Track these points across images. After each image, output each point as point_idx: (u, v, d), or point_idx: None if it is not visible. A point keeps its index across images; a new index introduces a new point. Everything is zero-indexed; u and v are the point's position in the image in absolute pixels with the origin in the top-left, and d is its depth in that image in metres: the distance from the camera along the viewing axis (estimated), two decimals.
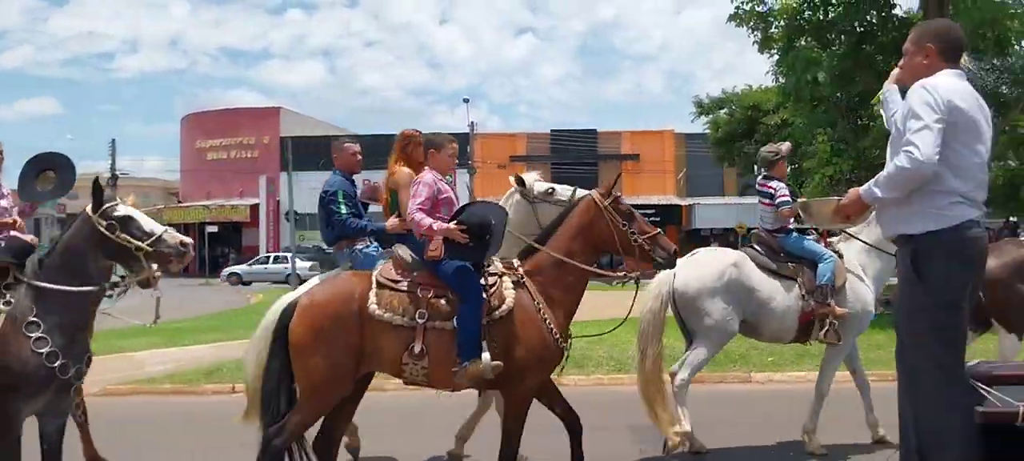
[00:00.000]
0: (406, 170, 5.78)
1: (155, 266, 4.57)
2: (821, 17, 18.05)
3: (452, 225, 4.82)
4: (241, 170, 48.37)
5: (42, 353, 4.28)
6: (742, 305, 6.27)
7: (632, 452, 6.56)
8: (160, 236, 4.52)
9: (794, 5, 18.25)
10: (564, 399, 5.17)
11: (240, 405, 5.54)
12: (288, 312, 4.76)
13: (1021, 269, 6.47)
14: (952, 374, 3.79)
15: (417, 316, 4.67)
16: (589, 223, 5.01)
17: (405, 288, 4.77)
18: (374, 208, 6.40)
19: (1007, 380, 3.93)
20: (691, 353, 6.31)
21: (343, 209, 5.83)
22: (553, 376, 5.14)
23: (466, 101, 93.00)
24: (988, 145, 3.96)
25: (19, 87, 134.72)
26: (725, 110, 33.52)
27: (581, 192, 5.61)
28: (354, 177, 6.27)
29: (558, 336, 4.83)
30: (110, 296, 4.66)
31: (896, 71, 4.27)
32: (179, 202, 52.84)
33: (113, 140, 52.47)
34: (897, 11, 18.10)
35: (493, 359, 4.63)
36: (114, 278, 4.78)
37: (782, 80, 18.85)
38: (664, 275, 6.29)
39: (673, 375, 6.28)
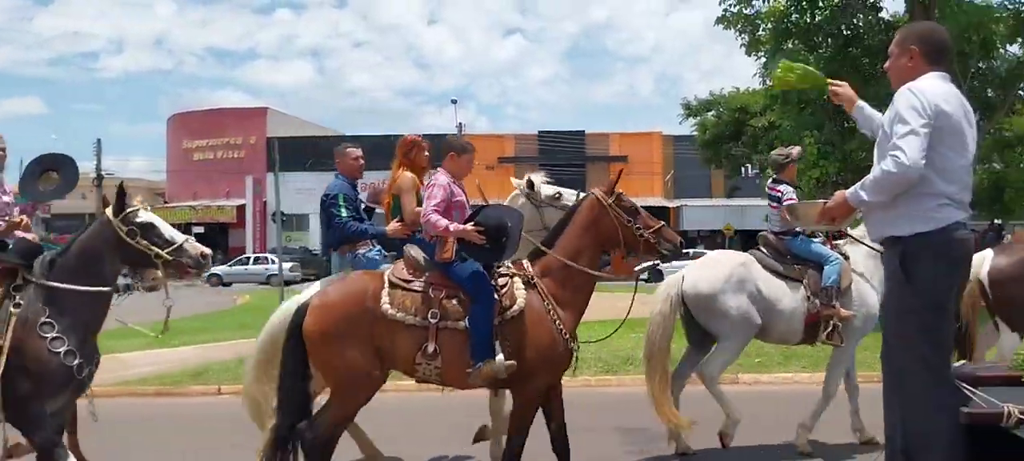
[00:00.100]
0: (409, 175, 5.80)
1: (155, 279, 4.68)
2: (808, 20, 18.15)
3: (469, 226, 4.87)
4: (227, 171, 48.18)
5: (59, 353, 4.31)
6: (754, 302, 6.32)
7: (620, 454, 6.57)
8: (181, 245, 4.58)
9: (781, 8, 18.34)
10: (563, 415, 5.16)
11: (225, 406, 5.52)
12: (301, 312, 4.77)
13: None
14: (939, 375, 3.81)
15: (430, 316, 4.70)
16: (594, 221, 5.08)
17: (418, 288, 4.80)
18: (378, 210, 6.40)
19: (991, 381, 3.95)
20: (717, 352, 6.36)
21: (343, 213, 5.82)
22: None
23: (454, 102, 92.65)
24: (973, 148, 3.99)
25: (3, 87, 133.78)
26: (713, 112, 33.64)
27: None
28: (356, 181, 6.24)
29: (568, 337, 4.87)
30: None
31: (847, 91, 4.37)
32: (165, 203, 52.54)
33: (98, 140, 52.35)
34: (883, 14, 18.25)
35: (506, 359, 4.68)
36: (121, 281, 4.80)
37: (769, 82, 18.92)
38: (673, 278, 6.38)
39: (702, 377, 6.34)
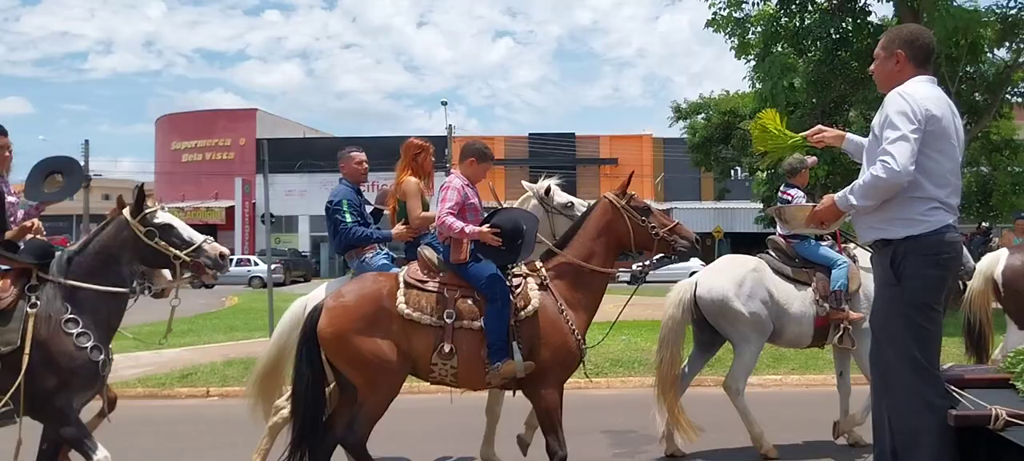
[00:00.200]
0: (413, 180, 5.83)
1: (164, 286, 4.81)
2: (797, 23, 18.25)
3: (485, 229, 4.90)
4: (216, 172, 48.04)
5: (86, 348, 4.36)
6: (767, 306, 6.36)
7: (608, 456, 6.57)
8: (199, 246, 4.62)
9: (771, 11, 18.43)
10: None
11: (214, 408, 5.51)
12: (315, 315, 4.77)
13: None
14: (928, 375, 3.82)
15: (445, 316, 4.74)
16: (608, 224, 5.15)
17: (433, 289, 4.83)
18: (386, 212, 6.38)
19: (979, 383, 3.96)
20: (737, 360, 6.39)
21: (348, 218, 5.82)
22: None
23: (444, 104, 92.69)
24: (961, 151, 4.01)
25: None
26: (702, 115, 33.68)
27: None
28: (360, 185, 6.23)
29: (581, 338, 4.91)
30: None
31: (829, 132, 4.40)
32: (159, 203, 52.34)
33: (86, 141, 51.98)
34: (872, 18, 18.36)
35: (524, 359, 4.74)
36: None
37: (758, 86, 18.99)
38: (685, 283, 6.42)
39: (727, 388, 6.37)
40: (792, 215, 4.63)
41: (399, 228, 5.84)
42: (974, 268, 7.04)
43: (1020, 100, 19.94)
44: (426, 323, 4.71)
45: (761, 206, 29.09)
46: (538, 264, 5.11)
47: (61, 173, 5.19)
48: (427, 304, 4.76)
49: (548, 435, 4.90)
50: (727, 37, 18.68)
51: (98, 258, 4.55)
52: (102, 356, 4.44)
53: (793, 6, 18.20)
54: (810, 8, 18.30)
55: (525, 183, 6.22)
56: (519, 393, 5.02)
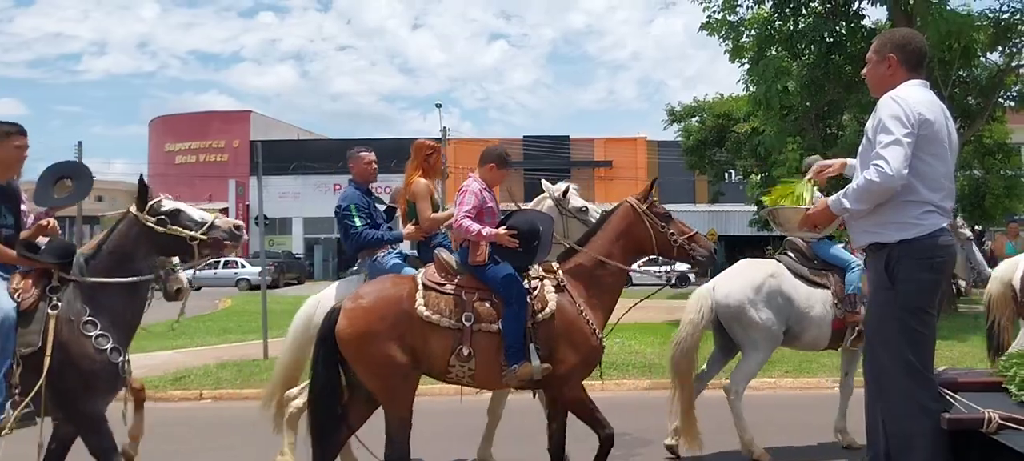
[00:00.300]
0: (423, 182, 5.87)
1: (186, 279, 4.95)
2: (791, 27, 18.29)
3: (501, 231, 4.94)
4: (210, 174, 47.93)
5: (106, 349, 4.37)
6: (783, 313, 6.36)
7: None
8: (212, 223, 4.66)
9: (765, 15, 18.47)
10: (566, 417, 5.18)
11: (207, 411, 5.50)
12: (332, 317, 4.76)
13: None
14: (921, 378, 3.83)
15: (464, 319, 4.75)
16: (628, 227, 5.20)
17: (451, 291, 4.85)
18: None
19: (972, 386, 3.97)
20: (742, 364, 6.40)
21: (358, 222, 5.85)
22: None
23: (439, 106, 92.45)
24: (954, 154, 4.02)
25: None
26: (697, 118, 33.71)
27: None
28: (370, 185, 6.23)
29: (601, 336, 4.98)
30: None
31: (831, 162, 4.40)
32: None
33: (79, 142, 51.69)
34: (866, 22, 18.40)
35: (541, 362, 4.77)
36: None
37: (753, 89, 19.03)
38: (704, 288, 6.44)
39: (726, 390, 6.38)
40: (786, 218, 4.62)
41: (409, 229, 5.87)
42: (990, 274, 7.10)
43: (1013, 104, 19.99)
44: (445, 325, 4.72)
45: (755, 209, 29.14)
46: (555, 265, 5.15)
47: (70, 178, 5.19)
48: (446, 306, 4.77)
49: (589, 422, 4.99)
50: (721, 41, 18.71)
51: (113, 258, 4.55)
52: (122, 358, 4.44)
53: (787, 10, 18.25)
54: (804, 12, 18.35)
55: (545, 183, 6.28)
56: (520, 395, 5.04)
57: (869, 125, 3.97)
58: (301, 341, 5.78)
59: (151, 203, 4.61)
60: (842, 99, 18.76)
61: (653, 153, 47.04)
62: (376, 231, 5.88)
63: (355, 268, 6.17)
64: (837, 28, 18.13)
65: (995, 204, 23.47)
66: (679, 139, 34.76)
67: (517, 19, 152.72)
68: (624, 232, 5.19)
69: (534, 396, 5.95)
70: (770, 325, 6.30)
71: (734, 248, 34.77)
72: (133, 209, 4.62)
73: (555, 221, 5.80)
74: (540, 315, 4.84)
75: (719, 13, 18.57)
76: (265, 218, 14.10)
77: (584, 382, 5.09)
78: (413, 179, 5.90)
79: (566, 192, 6.11)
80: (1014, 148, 24.42)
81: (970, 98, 19.29)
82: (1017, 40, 17.98)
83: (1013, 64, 18.65)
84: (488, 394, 6.03)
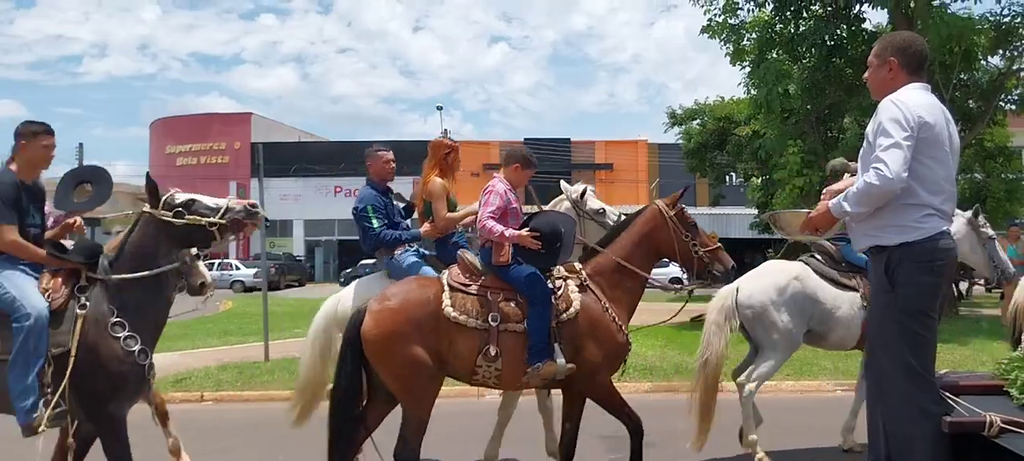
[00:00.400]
0: (439, 181, 5.91)
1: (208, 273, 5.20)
2: (792, 30, 18.29)
3: (524, 232, 4.97)
4: (211, 176, 47.84)
5: (134, 351, 4.40)
6: (806, 315, 6.36)
7: None
8: (227, 206, 4.68)
9: (766, 18, 18.47)
10: (580, 418, 5.25)
11: (208, 413, 5.51)
12: (358, 318, 4.78)
13: None
14: (922, 381, 3.83)
15: (491, 319, 4.79)
16: (651, 232, 5.26)
17: (475, 291, 4.89)
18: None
19: (974, 390, 3.97)
20: (759, 365, 6.39)
21: (375, 223, 5.90)
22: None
23: (440, 109, 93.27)
24: (956, 158, 4.02)
25: None
26: (698, 121, 33.70)
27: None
28: (387, 183, 6.27)
29: (626, 333, 5.03)
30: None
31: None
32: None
33: (80, 144, 52.02)
34: (867, 25, 18.39)
35: (566, 361, 4.82)
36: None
37: (754, 92, 19.04)
38: (728, 288, 6.44)
39: (740, 386, 6.38)
40: (787, 221, 4.65)
41: (426, 227, 5.92)
42: (1013, 272, 7.13)
43: (1014, 107, 19.97)
44: (472, 326, 4.76)
45: (756, 212, 29.12)
46: (577, 265, 5.19)
47: (90, 183, 5.20)
48: (472, 307, 4.82)
49: (617, 415, 5.07)
50: (722, 44, 18.72)
51: (136, 258, 4.58)
52: (148, 359, 4.47)
53: (788, 13, 18.25)
54: (805, 15, 18.35)
55: (563, 184, 6.33)
56: (529, 397, 5.07)
57: (869, 128, 3.97)
58: (322, 341, 5.84)
59: (164, 198, 4.65)
60: (843, 102, 18.76)
61: (654, 156, 47.06)
62: (394, 231, 5.93)
63: (369, 269, 6.21)
64: (838, 31, 18.13)
65: (996, 208, 23.40)
66: (680, 142, 34.75)
67: (518, 21, 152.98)
68: (648, 235, 5.24)
69: (549, 395, 5.97)
70: (790, 328, 6.31)
71: (734, 251, 34.38)
72: (147, 208, 4.64)
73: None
74: (564, 315, 4.89)
75: (720, 16, 18.58)
76: (266, 220, 14.11)
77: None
78: (430, 178, 5.93)
79: (584, 193, 6.16)
80: (1015, 152, 24.35)
81: (971, 101, 19.29)
82: (1018, 44, 17.99)
83: (1014, 67, 18.65)
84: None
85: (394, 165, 6.28)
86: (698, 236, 5.27)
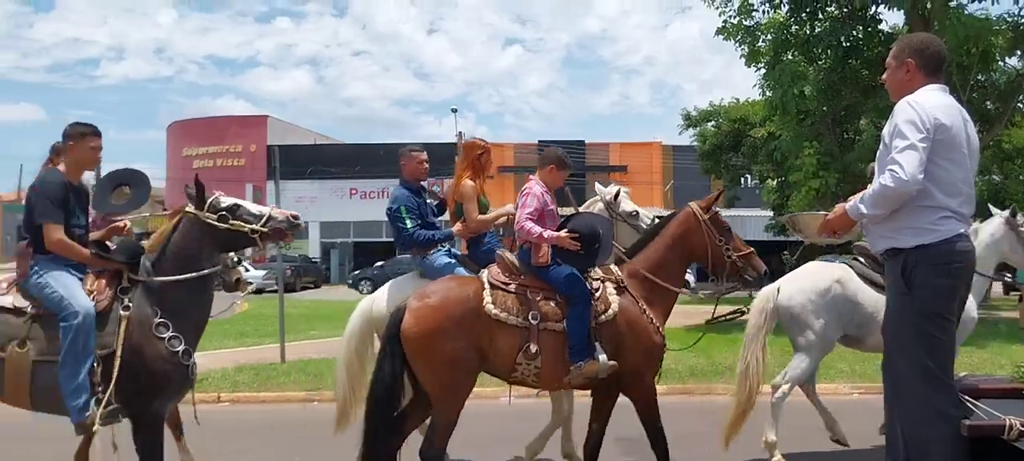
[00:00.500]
0: (470, 183, 5.95)
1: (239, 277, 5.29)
2: (807, 31, 18.23)
3: (563, 234, 4.99)
4: (227, 178, 48.03)
5: (178, 351, 4.45)
6: (844, 320, 6.33)
7: None
8: (270, 215, 4.72)
9: (781, 19, 18.41)
10: (607, 420, 5.31)
11: (225, 414, 5.54)
12: (398, 316, 4.80)
13: None
14: (938, 384, 3.81)
15: (531, 317, 4.81)
16: (685, 234, 5.25)
17: (515, 290, 4.92)
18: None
19: (993, 393, 3.95)
20: (792, 367, 6.38)
21: (409, 223, 5.92)
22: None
23: (454, 111, 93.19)
24: (974, 160, 4.00)
25: (2, 93, 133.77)
26: (712, 123, 33.62)
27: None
28: (420, 183, 6.27)
29: (663, 334, 5.07)
30: None
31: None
32: (165, 210, 52.46)
33: None
34: (883, 26, 18.31)
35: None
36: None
37: (769, 93, 18.98)
38: (768, 290, 6.44)
39: (775, 387, 6.37)
40: (805, 223, 4.64)
41: (458, 226, 5.96)
42: None
43: None
44: (512, 323, 4.79)
45: (771, 214, 29.01)
46: (614, 267, 5.20)
47: (129, 185, 5.24)
48: (513, 305, 4.85)
49: (652, 424, 5.11)
50: (737, 45, 18.68)
51: (179, 259, 4.61)
52: (191, 360, 4.51)
53: (803, 14, 18.18)
54: (820, 16, 18.29)
55: (597, 186, 6.37)
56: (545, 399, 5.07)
57: (885, 130, 3.96)
58: (358, 341, 5.88)
59: (209, 200, 4.67)
60: (859, 103, 18.68)
61: (669, 158, 46.90)
62: (427, 231, 5.96)
63: (376, 271, 6.23)
64: (854, 32, 18.07)
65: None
66: (695, 144, 34.69)
67: (532, 24, 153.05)
68: (681, 238, 5.23)
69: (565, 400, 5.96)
70: (826, 332, 6.29)
71: None
72: (191, 208, 4.67)
73: None
74: (603, 317, 4.91)
75: (735, 18, 18.57)
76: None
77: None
78: (462, 180, 5.97)
79: (618, 195, 6.18)
80: None
81: (988, 103, 19.18)
82: None
83: None
84: (536, 401, 6.04)
85: (428, 165, 6.28)
86: (732, 240, 5.24)
